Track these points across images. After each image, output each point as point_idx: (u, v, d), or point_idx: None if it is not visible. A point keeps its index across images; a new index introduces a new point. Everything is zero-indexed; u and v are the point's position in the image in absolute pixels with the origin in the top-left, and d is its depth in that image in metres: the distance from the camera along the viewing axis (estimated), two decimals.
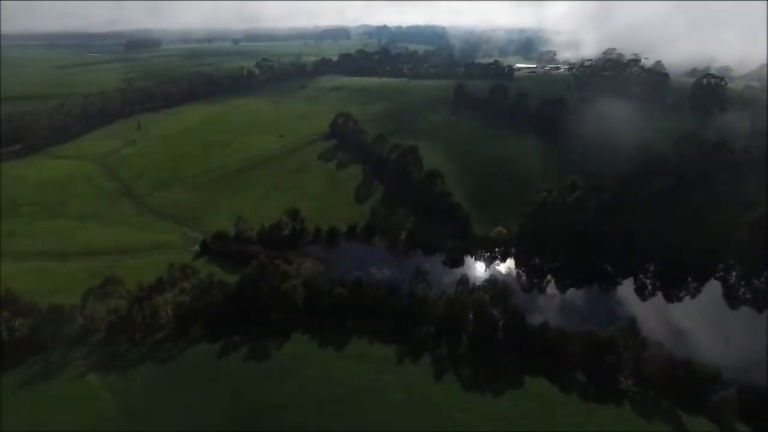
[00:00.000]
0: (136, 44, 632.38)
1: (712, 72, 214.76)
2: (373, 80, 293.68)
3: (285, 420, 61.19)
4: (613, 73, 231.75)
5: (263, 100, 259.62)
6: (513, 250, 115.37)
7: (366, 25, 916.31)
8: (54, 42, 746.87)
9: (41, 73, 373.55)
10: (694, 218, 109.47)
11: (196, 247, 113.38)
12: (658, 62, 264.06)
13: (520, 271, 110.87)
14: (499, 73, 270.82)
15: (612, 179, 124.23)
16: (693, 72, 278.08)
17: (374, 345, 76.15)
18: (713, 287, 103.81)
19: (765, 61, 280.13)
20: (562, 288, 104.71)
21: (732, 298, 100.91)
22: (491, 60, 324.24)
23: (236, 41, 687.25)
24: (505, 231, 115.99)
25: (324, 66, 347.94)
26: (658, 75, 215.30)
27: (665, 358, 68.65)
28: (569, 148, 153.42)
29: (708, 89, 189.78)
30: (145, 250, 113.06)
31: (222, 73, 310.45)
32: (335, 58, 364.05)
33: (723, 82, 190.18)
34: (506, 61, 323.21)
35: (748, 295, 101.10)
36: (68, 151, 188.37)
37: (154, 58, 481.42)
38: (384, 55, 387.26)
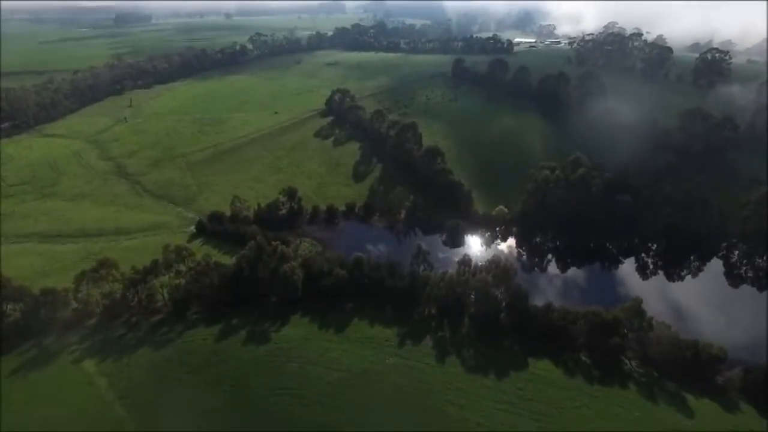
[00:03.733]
0: (126, 19, 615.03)
1: (715, 46, 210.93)
2: (370, 55, 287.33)
3: (286, 404, 60.21)
4: (615, 47, 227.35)
5: (257, 76, 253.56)
6: (514, 229, 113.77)
7: None
8: (40, 16, 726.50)
9: (28, 49, 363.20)
10: (698, 196, 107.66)
11: (192, 228, 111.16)
12: (660, 36, 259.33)
13: (521, 251, 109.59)
14: (499, 47, 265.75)
15: (615, 156, 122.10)
16: (695, 46, 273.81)
17: (375, 327, 74.85)
18: (715, 266, 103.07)
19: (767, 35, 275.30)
20: (563, 267, 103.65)
21: (733, 277, 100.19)
22: (489, 34, 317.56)
23: (228, 15, 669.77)
24: (506, 209, 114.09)
25: (319, 41, 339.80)
26: (661, 49, 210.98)
27: (671, 339, 67.80)
28: (572, 124, 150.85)
29: (712, 63, 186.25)
30: (139, 231, 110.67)
31: (215, 49, 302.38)
32: (330, 33, 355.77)
33: (727, 57, 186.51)
34: (504, 35, 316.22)
35: (749, 274, 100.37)
36: (58, 130, 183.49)
37: (144, 33, 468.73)
38: (380, 29, 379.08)
